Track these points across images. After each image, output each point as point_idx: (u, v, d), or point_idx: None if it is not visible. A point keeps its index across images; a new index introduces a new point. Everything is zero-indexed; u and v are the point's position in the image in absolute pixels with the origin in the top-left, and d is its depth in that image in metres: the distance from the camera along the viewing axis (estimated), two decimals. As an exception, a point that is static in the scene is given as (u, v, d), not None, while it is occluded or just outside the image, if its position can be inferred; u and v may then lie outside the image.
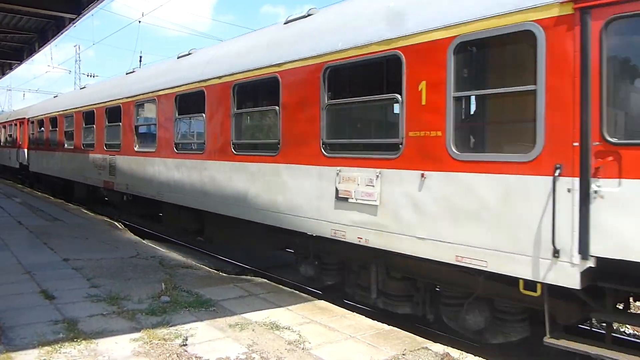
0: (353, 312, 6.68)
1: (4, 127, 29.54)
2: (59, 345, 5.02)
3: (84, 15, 14.09)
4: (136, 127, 12.45)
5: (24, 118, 24.47)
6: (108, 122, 14.05)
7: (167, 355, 4.93)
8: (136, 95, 12.29)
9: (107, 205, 16.36)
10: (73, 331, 5.44)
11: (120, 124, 13.10)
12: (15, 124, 26.56)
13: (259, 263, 10.63)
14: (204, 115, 9.34)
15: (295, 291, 7.65)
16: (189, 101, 10.11)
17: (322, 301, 7.08)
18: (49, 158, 20.03)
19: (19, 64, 22.84)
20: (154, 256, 9.69)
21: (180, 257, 9.98)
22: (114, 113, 13.57)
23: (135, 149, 12.26)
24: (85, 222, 14.18)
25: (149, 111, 12.20)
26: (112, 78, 17.21)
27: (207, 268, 9.14)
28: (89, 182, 15.83)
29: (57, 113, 18.87)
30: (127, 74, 14.77)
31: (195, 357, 4.95)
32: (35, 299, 6.63)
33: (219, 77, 8.92)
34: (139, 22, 30.28)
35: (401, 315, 6.76)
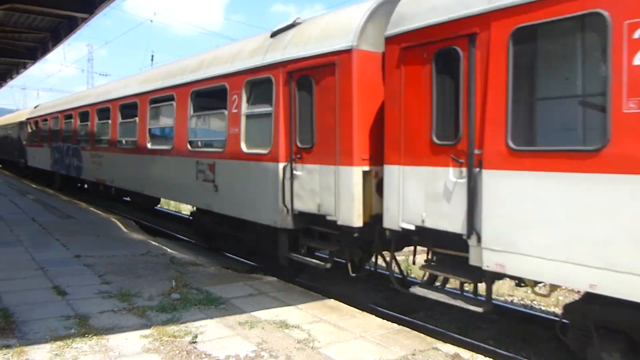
0: (363, 311, 6.67)
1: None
2: (70, 341, 5.07)
3: (96, 14, 14.14)
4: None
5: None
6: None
7: (177, 352, 4.96)
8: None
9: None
10: (84, 327, 5.49)
11: None
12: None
13: (269, 262, 10.63)
14: None
15: (305, 290, 7.65)
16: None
17: (332, 300, 7.08)
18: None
19: (33, 63, 23.02)
20: (165, 254, 9.75)
21: (190, 255, 10.02)
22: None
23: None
24: (97, 219, 14.31)
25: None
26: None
27: (218, 266, 9.18)
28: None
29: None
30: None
31: (205, 354, 4.97)
32: (48, 294, 6.71)
33: None
34: (151, 21, 30.54)
35: (411, 316, 6.69)
